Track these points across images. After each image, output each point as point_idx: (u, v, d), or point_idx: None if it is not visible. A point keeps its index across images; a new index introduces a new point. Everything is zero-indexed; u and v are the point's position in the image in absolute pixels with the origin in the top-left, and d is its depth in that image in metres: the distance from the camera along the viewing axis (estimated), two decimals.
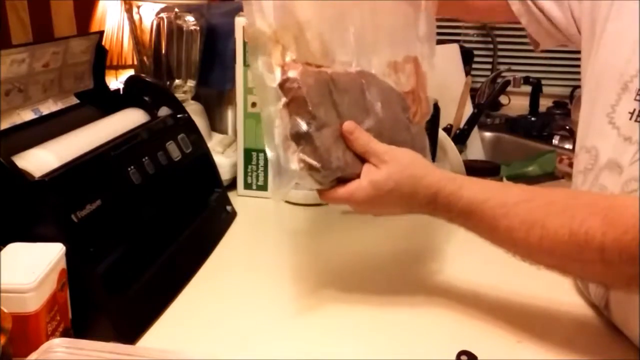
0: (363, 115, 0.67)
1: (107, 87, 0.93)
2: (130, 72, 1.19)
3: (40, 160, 0.66)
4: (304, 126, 0.61)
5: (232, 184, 1.06)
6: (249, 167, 1.04)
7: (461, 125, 1.40)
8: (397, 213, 0.66)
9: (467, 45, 1.77)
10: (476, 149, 1.47)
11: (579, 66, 0.73)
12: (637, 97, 0.61)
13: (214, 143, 1.09)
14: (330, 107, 0.64)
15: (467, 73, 1.54)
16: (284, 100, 0.61)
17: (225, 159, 1.06)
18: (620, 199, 0.56)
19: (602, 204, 0.54)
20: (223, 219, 0.94)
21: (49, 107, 0.80)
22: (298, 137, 0.61)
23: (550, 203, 0.57)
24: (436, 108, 1.15)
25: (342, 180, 0.64)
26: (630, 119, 0.61)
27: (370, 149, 0.64)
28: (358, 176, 0.64)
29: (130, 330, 0.64)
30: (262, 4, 0.60)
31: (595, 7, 0.69)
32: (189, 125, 0.91)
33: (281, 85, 0.61)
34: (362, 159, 0.65)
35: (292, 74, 0.61)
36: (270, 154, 0.63)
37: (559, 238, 0.54)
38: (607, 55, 0.66)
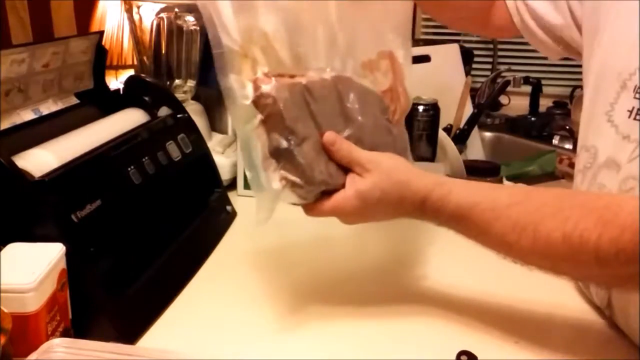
0: (342, 123, 0.64)
1: (107, 87, 0.93)
2: (130, 72, 1.19)
3: (40, 160, 0.66)
4: (283, 143, 0.58)
5: (232, 184, 1.06)
6: None
7: (461, 125, 1.40)
8: (384, 219, 0.65)
9: (467, 45, 1.77)
10: (476, 149, 1.47)
11: (579, 66, 0.73)
12: (636, 95, 0.61)
13: (214, 143, 1.09)
14: (308, 119, 0.61)
15: (467, 73, 1.54)
16: (259, 117, 0.59)
17: (225, 159, 1.06)
18: (616, 199, 0.56)
19: (598, 204, 0.54)
20: (223, 219, 0.94)
21: (49, 107, 0.80)
22: (278, 155, 0.59)
23: (543, 205, 0.56)
24: (436, 108, 1.15)
25: (327, 192, 0.62)
26: (629, 117, 0.61)
27: (354, 158, 0.62)
28: (342, 186, 0.62)
29: (130, 330, 0.64)
30: (224, 21, 0.58)
31: (596, 6, 0.69)
32: (189, 125, 0.91)
33: (255, 102, 0.58)
34: (346, 168, 0.63)
35: (265, 88, 0.58)
36: (249, 174, 0.61)
37: (552, 240, 0.53)
38: (606, 53, 0.66)
